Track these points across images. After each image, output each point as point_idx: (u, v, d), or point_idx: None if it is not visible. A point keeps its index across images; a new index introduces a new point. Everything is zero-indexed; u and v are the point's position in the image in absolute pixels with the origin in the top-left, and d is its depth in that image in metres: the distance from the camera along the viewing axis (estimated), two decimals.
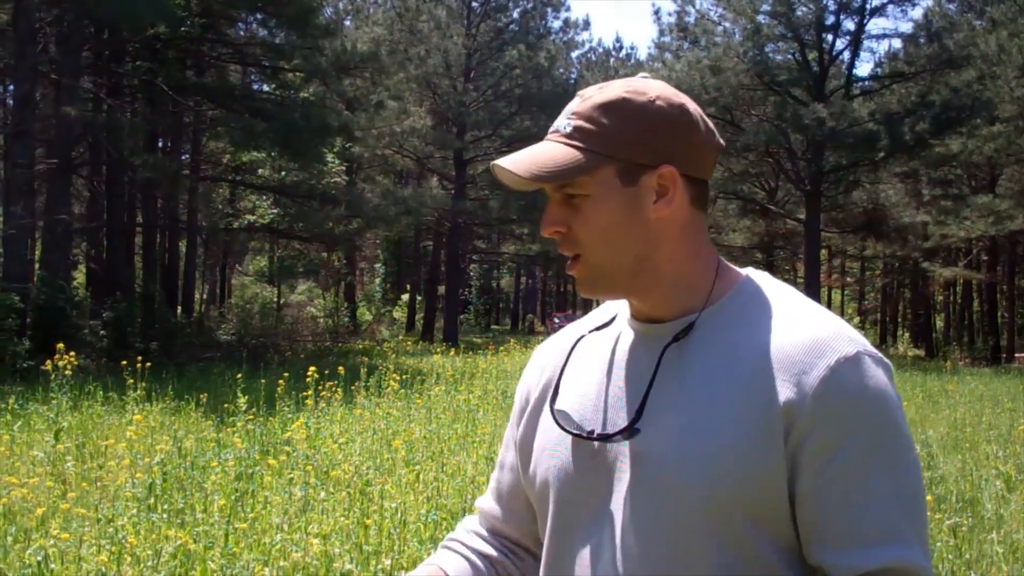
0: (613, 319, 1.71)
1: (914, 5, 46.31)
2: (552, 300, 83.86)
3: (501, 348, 25.02)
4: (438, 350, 24.69)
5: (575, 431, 1.59)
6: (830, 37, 36.01)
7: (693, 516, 1.46)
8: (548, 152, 1.54)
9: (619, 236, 1.55)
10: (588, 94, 1.58)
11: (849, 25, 35.95)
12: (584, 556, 1.56)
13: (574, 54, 59.54)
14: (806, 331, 1.49)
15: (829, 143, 33.06)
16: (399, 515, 6.37)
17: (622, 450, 1.54)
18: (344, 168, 37.96)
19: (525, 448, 1.72)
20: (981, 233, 40.28)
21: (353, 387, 12.85)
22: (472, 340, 39.86)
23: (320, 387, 11.74)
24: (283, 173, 32.56)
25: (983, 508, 8.03)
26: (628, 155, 1.54)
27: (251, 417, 9.97)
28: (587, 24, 73.61)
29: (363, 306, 49.73)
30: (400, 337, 39.91)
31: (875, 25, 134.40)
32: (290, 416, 10.76)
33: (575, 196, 1.54)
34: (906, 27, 46.67)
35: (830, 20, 35.39)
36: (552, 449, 1.64)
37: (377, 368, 14.03)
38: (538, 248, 48.36)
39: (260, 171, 33.60)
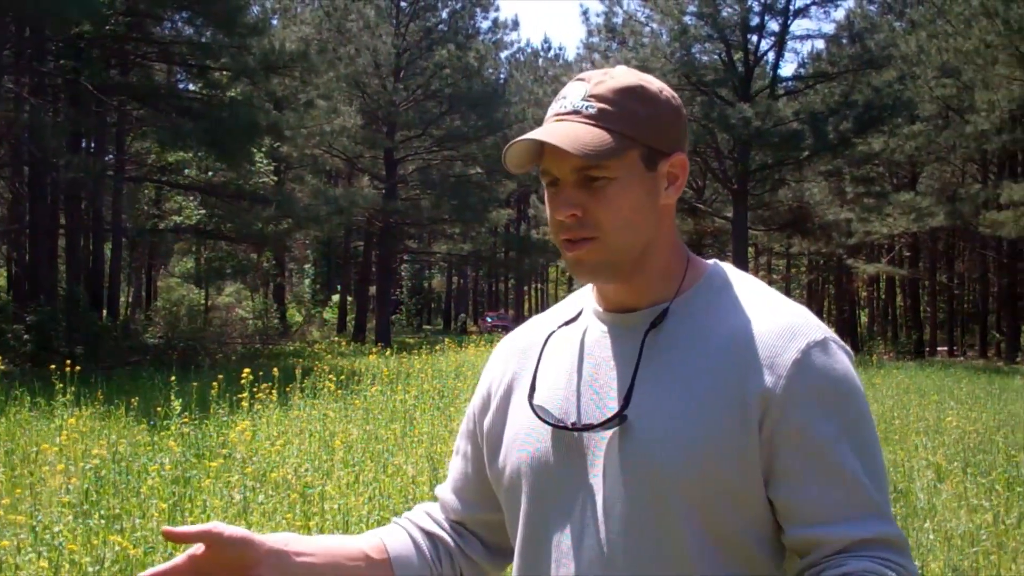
0: (580, 313, 1.71)
1: (836, 6, 47.06)
2: (484, 300, 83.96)
3: (436, 348, 24.96)
4: (373, 351, 24.55)
5: (556, 423, 1.60)
6: (755, 38, 36.43)
7: (676, 500, 1.49)
8: (578, 132, 1.52)
9: (638, 221, 1.57)
10: (596, 77, 1.58)
11: (773, 26, 36.43)
12: (563, 542, 1.58)
13: (503, 54, 59.57)
14: (777, 318, 1.54)
15: (755, 142, 33.44)
16: (341, 516, 6.32)
17: (598, 438, 1.56)
18: (272, 168, 37.63)
19: (493, 440, 1.73)
20: (903, 230, 41.07)
21: (288, 389, 12.74)
22: (405, 340, 39.73)
23: (256, 389, 11.62)
24: (210, 173, 32.17)
25: (916, 498, 8.17)
26: (651, 141, 1.56)
27: (185, 420, 9.83)
28: (516, 24, 73.73)
29: (293, 307, 49.34)
30: (331, 338, 39.66)
31: (799, 26, 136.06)
32: (225, 419, 10.63)
33: (598, 179, 1.54)
34: (829, 28, 47.49)
35: (755, 21, 35.81)
36: (524, 440, 1.65)
37: (312, 370, 13.91)
38: (470, 247, 48.35)
39: (187, 171, 33.15)
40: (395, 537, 1.76)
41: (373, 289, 47.28)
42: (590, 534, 1.55)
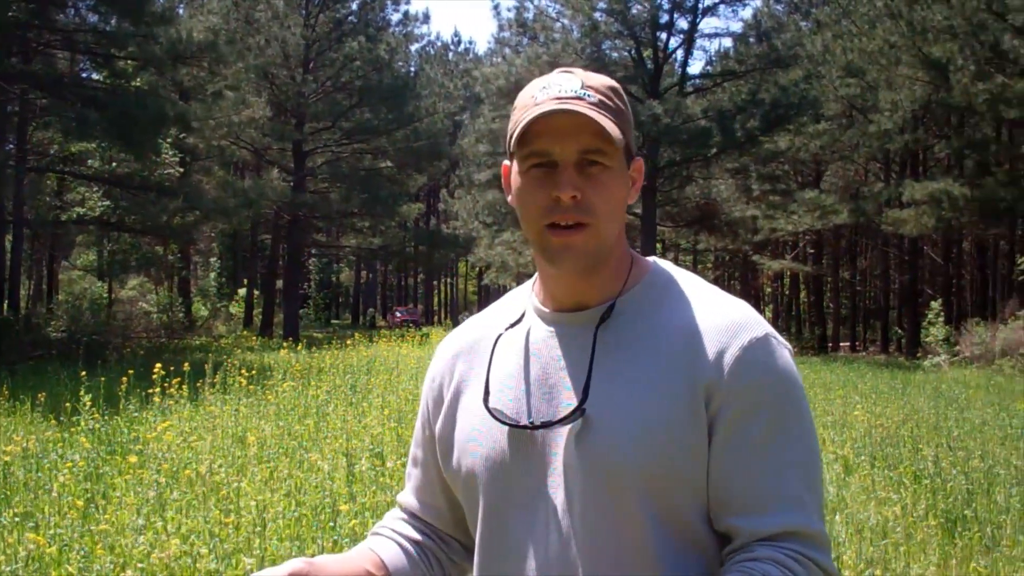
0: (523, 315, 1.73)
1: (744, 5, 47.75)
2: (393, 294, 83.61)
3: (347, 343, 24.81)
4: (284, 346, 24.30)
5: (511, 422, 1.61)
6: (664, 35, 36.78)
7: (633, 491, 1.52)
8: (593, 113, 1.54)
9: (620, 212, 1.61)
10: (581, 72, 1.61)
11: (683, 24, 36.80)
12: (522, 538, 1.60)
13: (413, 47, 59.41)
14: (722, 313, 1.59)
15: (664, 139, 33.74)
16: (257, 513, 6.24)
17: (553, 435, 1.59)
18: (178, 159, 36.99)
19: (445, 443, 1.74)
20: (808, 227, 41.80)
21: (199, 384, 12.55)
22: (313, 335, 39.37)
23: (167, 384, 11.43)
24: (114, 164, 31.52)
25: (826, 491, 8.31)
26: (628, 139, 1.60)
27: (95, 416, 9.63)
28: (427, 18, 73.36)
29: (198, 301, 48.57)
30: (237, 332, 39.16)
31: (707, 24, 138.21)
32: (136, 415, 10.44)
33: (596, 164, 1.55)
34: (737, 27, 48.21)
35: (664, 19, 36.15)
36: (477, 441, 1.67)
37: (223, 364, 13.71)
38: (380, 241, 48.01)
39: (90, 162, 32.44)
40: (389, 550, 1.78)
41: (280, 283, 46.77)
42: (551, 529, 1.57)
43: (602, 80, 1.60)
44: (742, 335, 1.56)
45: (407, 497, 1.88)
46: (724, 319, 1.57)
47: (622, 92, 1.61)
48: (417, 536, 1.82)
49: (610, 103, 1.58)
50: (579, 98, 1.55)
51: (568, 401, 1.59)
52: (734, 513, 1.53)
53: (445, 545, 1.83)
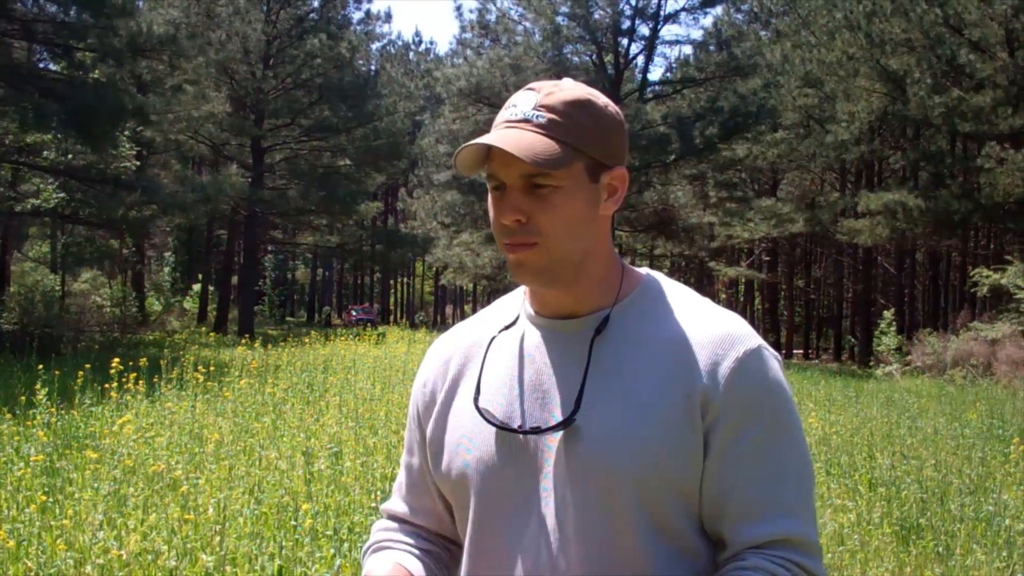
0: (517, 318, 1.74)
1: (705, 14, 47.90)
2: (349, 293, 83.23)
3: (305, 341, 24.70)
4: (243, 342, 24.13)
5: (502, 425, 1.63)
6: (626, 41, 36.94)
7: (626, 498, 1.55)
8: (529, 140, 1.55)
9: (579, 229, 1.61)
10: (547, 88, 1.62)
11: (644, 30, 36.98)
12: (513, 542, 1.61)
13: (375, 46, 59.25)
14: (716, 325, 1.62)
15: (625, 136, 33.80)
16: (216, 510, 6.20)
17: (545, 441, 1.61)
18: (135, 153, 36.60)
19: (435, 445, 1.75)
20: (764, 235, 42.10)
21: (155, 380, 12.44)
22: (268, 332, 39.16)
23: (124, 379, 11.33)
24: (70, 156, 31.14)
25: None
26: (595, 153, 1.60)
27: (51, 411, 9.53)
28: (389, 17, 73.49)
29: (152, 296, 48.13)
30: (190, 328, 38.85)
31: (668, 31, 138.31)
32: (91, 410, 10.33)
33: (544, 186, 1.57)
34: (697, 35, 48.62)
35: (626, 24, 36.29)
36: (468, 443, 1.68)
37: (179, 360, 13.61)
38: (337, 239, 47.81)
39: (45, 153, 32.04)
40: (414, 566, 1.77)
41: (235, 279, 46.45)
42: (543, 534, 1.59)
43: (568, 95, 1.61)
44: (737, 347, 1.59)
45: (398, 505, 1.88)
46: (718, 331, 1.61)
47: (595, 104, 1.62)
48: (429, 546, 1.82)
49: (563, 121, 1.58)
50: (526, 120, 1.58)
51: (560, 408, 1.61)
52: (727, 521, 1.56)
53: (446, 552, 1.84)
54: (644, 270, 1.75)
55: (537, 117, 1.58)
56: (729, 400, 1.56)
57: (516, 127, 1.58)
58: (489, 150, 1.58)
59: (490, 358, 1.72)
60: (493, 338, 1.75)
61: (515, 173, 1.57)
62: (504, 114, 1.61)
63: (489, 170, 1.60)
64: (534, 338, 1.69)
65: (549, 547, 1.57)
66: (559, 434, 1.59)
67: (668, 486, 1.55)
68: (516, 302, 1.78)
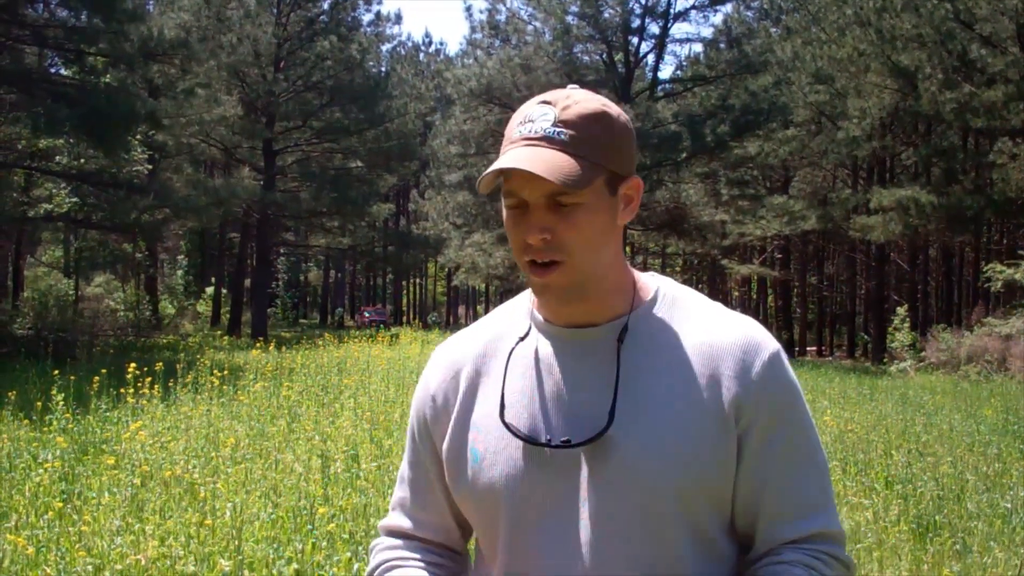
0: (530, 329, 1.72)
1: (715, 11, 47.80)
2: (361, 294, 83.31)
3: (318, 343, 24.72)
4: (257, 345, 24.17)
5: (529, 439, 1.62)
6: (636, 40, 36.92)
7: (667, 507, 1.56)
8: (555, 160, 1.54)
9: (602, 243, 1.61)
10: (561, 101, 1.60)
11: (654, 29, 36.98)
12: (551, 554, 1.60)
13: (385, 48, 59.30)
14: (737, 331, 1.64)
15: (635, 143, 33.78)
16: (232, 514, 6.22)
17: (575, 455, 1.59)
18: (147, 156, 36.69)
19: (454, 460, 1.72)
20: (776, 232, 42.03)
21: (171, 384, 12.47)
22: (281, 335, 39.20)
23: (140, 384, 11.35)
24: (82, 160, 31.23)
25: None
26: (613, 166, 1.60)
27: (68, 416, 9.56)
28: (399, 18, 73.37)
29: (165, 299, 48.26)
30: (204, 331, 38.93)
31: (678, 29, 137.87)
32: (107, 414, 10.37)
33: (566, 204, 1.56)
34: (708, 32, 48.59)
35: (636, 23, 36.30)
36: (493, 458, 1.65)
37: (195, 364, 13.64)
38: (349, 241, 47.84)
39: (58, 158, 32.13)
40: None
41: (248, 282, 46.52)
42: (581, 548, 1.58)
43: (584, 108, 1.60)
44: (762, 352, 1.61)
45: (402, 520, 1.84)
46: (740, 337, 1.63)
47: (609, 115, 1.61)
48: (441, 561, 1.81)
49: (585, 136, 1.57)
50: (548, 138, 1.56)
51: (588, 419, 1.60)
52: (762, 520, 1.61)
53: (454, 563, 1.83)
54: (650, 274, 1.75)
55: (558, 134, 1.56)
56: (760, 404, 1.58)
57: (537, 145, 1.56)
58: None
59: (510, 371, 1.70)
60: (512, 349, 1.71)
61: (539, 192, 1.56)
62: (520, 129, 1.59)
63: (508, 187, 1.59)
64: (549, 348, 1.67)
65: (589, 560, 1.57)
66: (592, 447, 1.58)
67: (705, 493, 1.57)
68: (522, 310, 1.76)
